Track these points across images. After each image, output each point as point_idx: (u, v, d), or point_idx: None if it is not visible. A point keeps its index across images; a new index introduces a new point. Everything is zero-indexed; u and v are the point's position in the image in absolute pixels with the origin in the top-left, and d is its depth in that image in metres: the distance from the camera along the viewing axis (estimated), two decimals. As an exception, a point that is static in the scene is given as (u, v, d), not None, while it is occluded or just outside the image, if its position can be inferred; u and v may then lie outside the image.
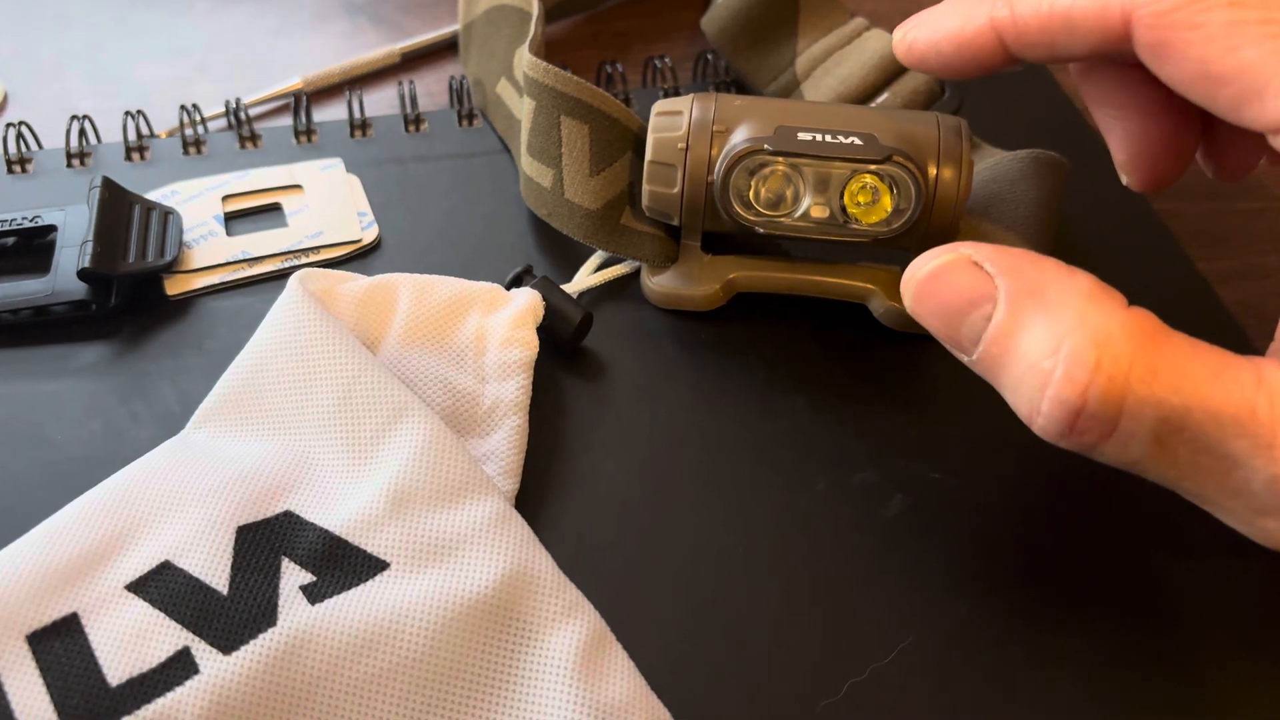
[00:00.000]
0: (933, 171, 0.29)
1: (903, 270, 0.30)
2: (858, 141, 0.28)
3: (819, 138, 0.28)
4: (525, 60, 0.32)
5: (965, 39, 0.26)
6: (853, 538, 0.28)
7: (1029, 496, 0.29)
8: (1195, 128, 0.28)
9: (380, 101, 0.40)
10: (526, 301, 0.29)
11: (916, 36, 0.27)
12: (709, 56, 0.40)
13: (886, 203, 0.29)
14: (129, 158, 0.37)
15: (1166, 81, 0.23)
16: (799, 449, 0.29)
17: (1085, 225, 0.34)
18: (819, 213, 0.29)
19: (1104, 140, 0.29)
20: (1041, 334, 0.22)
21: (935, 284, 0.25)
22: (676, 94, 0.40)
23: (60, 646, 0.23)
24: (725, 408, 0.30)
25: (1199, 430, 0.21)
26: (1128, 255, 0.35)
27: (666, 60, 0.40)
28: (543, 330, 0.30)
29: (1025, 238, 0.31)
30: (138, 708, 0.22)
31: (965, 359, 0.25)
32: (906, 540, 0.28)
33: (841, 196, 0.29)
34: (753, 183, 0.29)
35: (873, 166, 0.28)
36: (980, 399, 0.28)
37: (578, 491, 0.28)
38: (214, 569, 0.24)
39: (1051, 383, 0.22)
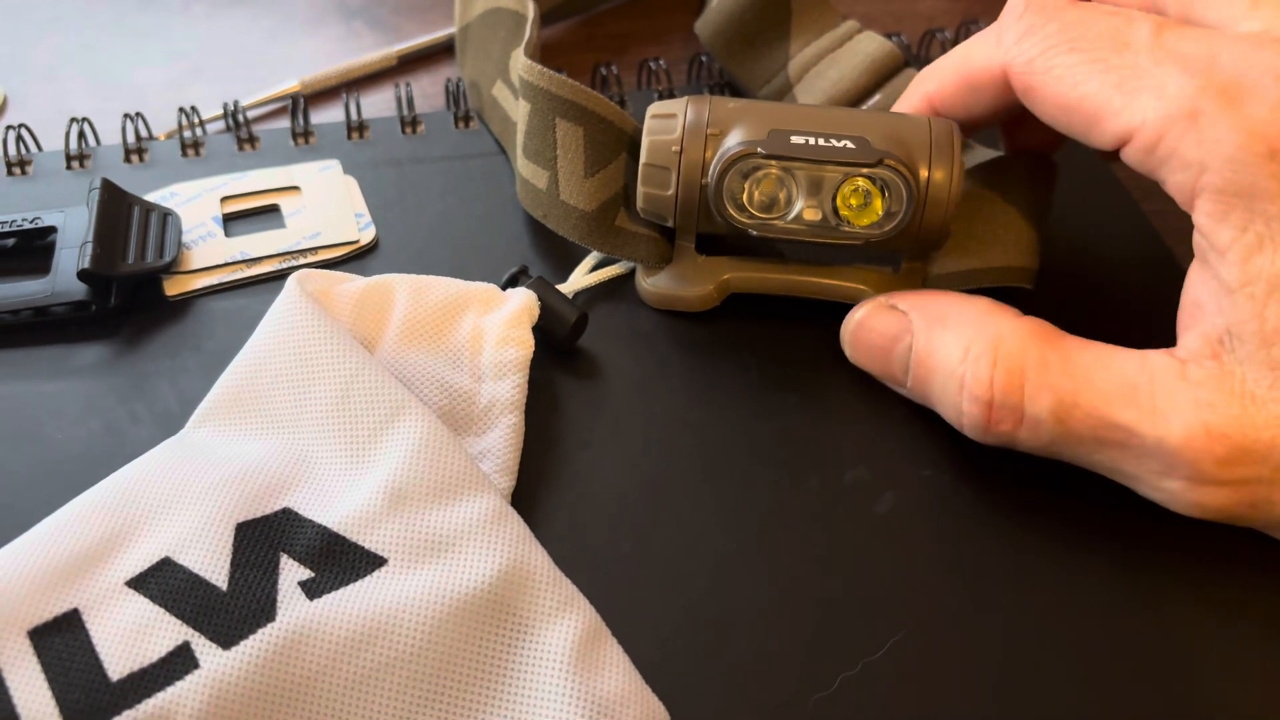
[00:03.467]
0: (924, 174, 0.29)
1: (895, 271, 0.31)
2: (850, 145, 0.29)
3: (812, 141, 0.29)
4: (521, 63, 0.32)
5: None
6: (845, 534, 0.28)
7: (1018, 494, 0.29)
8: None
9: (377, 104, 0.40)
10: (522, 301, 0.30)
11: None
12: (703, 59, 0.41)
13: (878, 206, 0.29)
14: (128, 160, 0.37)
15: (1040, 117, 0.28)
16: (792, 447, 0.30)
17: (1072, 224, 0.34)
18: (811, 215, 0.30)
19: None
20: (952, 348, 0.27)
21: (862, 331, 0.30)
22: (671, 96, 0.40)
23: (61, 642, 0.23)
24: (719, 406, 0.31)
25: (1091, 406, 0.25)
26: (1114, 254, 0.35)
27: (661, 63, 0.41)
28: (538, 330, 0.30)
29: (1016, 239, 0.31)
30: (138, 702, 0.22)
31: (904, 391, 0.30)
32: (898, 536, 0.28)
33: (834, 199, 0.29)
34: (746, 185, 0.29)
35: (865, 170, 0.29)
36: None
37: (573, 489, 0.28)
38: (214, 565, 0.24)
39: (965, 384, 0.27)
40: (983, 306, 0.28)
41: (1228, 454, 0.24)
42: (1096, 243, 0.35)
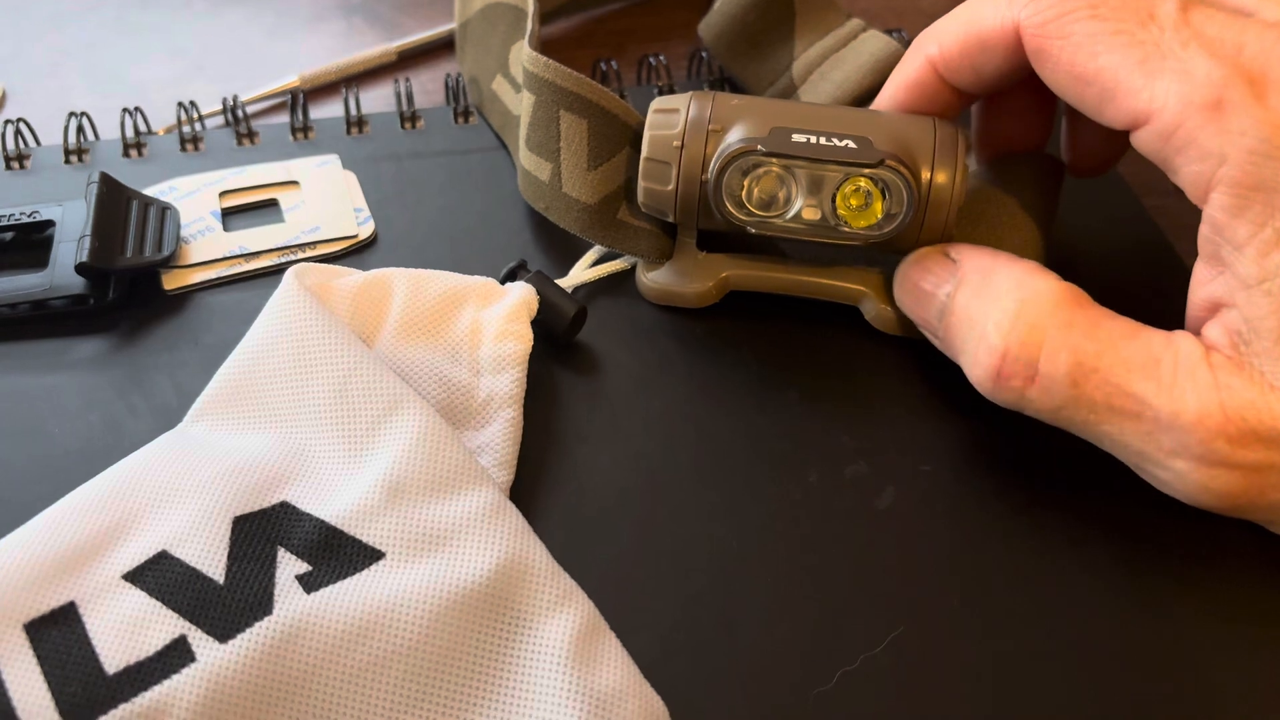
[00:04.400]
0: (926, 176, 0.29)
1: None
2: (852, 145, 0.28)
3: (813, 140, 0.29)
4: (526, 55, 0.32)
5: (913, 81, 0.30)
6: (844, 529, 0.28)
7: (1018, 490, 0.29)
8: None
9: (377, 99, 0.40)
10: (521, 295, 0.30)
11: (878, 103, 0.31)
12: (703, 55, 0.41)
13: (878, 207, 0.29)
14: (127, 154, 0.37)
15: (1048, 84, 0.27)
16: (791, 442, 0.30)
17: (1073, 218, 0.34)
18: (811, 215, 0.29)
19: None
20: (984, 300, 0.27)
21: (914, 272, 0.29)
22: (671, 92, 0.40)
23: (58, 635, 0.23)
24: (719, 402, 0.30)
25: (1109, 372, 0.25)
26: (1115, 248, 0.35)
27: (661, 58, 0.40)
28: (537, 324, 0.30)
29: (1021, 245, 0.31)
30: (135, 695, 0.22)
31: (936, 341, 0.29)
32: (897, 531, 0.28)
33: (834, 199, 0.29)
34: (746, 183, 0.29)
35: (866, 170, 0.28)
36: (971, 396, 0.28)
37: (572, 483, 0.28)
38: (211, 559, 0.24)
39: (985, 333, 0.26)
40: (1027, 266, 0.27)
41: (1240, 435, 0.24)
42: (1097, 236, 0.35)
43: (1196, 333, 0.26)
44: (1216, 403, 0.24)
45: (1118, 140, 0.27)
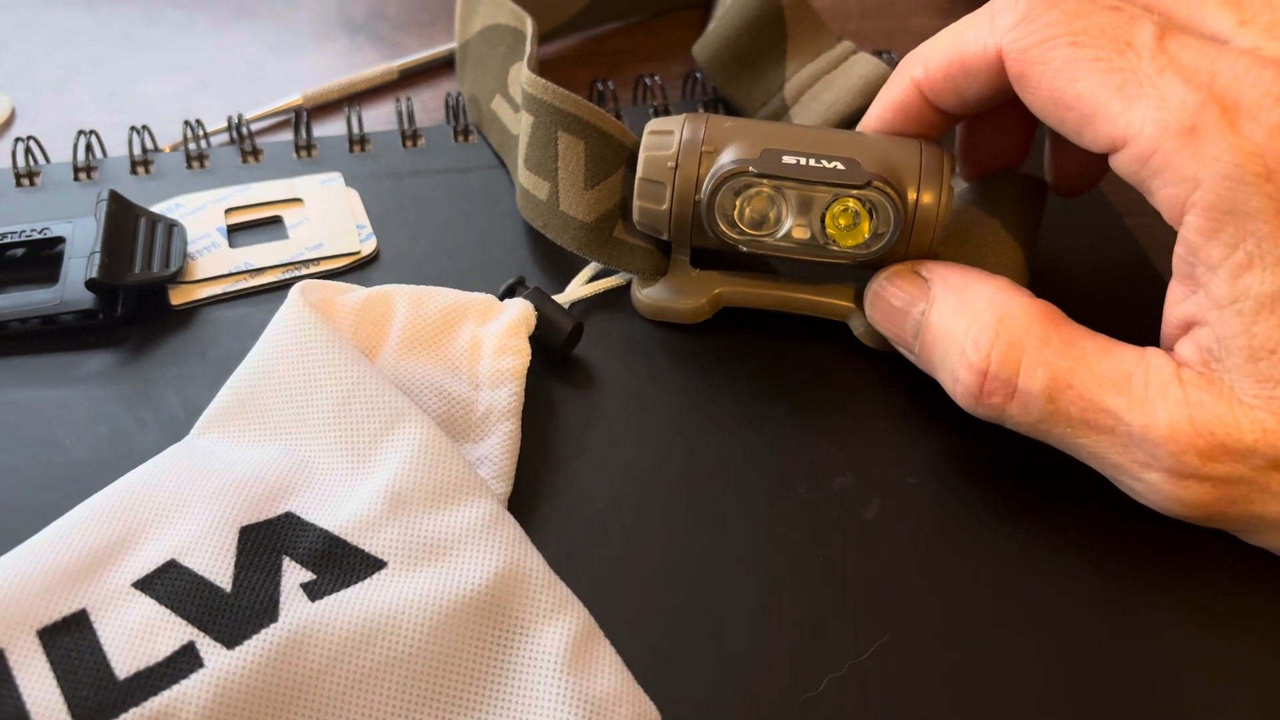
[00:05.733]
0: (912, 196, 0.29)
1: None
2: (840, 166, 0.29)
3: (803, 161, 0.29)
4: (524, 77, 0.33)
5: (898, 102, 0.31)
6: (832, 539, 0.28)
7: (1000, 501, 0.29)
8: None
9: (378, 117, 0.41)
10: (519, 311, 0.30)
11: (864, 124, 0.32)
12: (697, 75, 0.41)
13: (865, 227, 0.30)
14: (134, 171, 0.38)
15: (1030, 107, 0.28)
16: (781, 454, 0.30)
17: (1057, 236, 0.35)
18: (800, 234, 0.30)
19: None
20: (960, 318, 0.28)
21: (885, 291, 0.30)
22: (666, 111, 0.41)
23: (70, 641, 0.23)
24: (711, 415, 0.31)
25: (1083, 388, 0.26)
26: (1098, 267, 0.36)
27: (656, 79, 0.41)
28: (535, 339, 0.31)
29: (1005, 263, 0.31)
30: (144, 700, 0.23)
31: (912, 357, 0.30)
32: (884, 542, 0.28)
33: (823, 219, 0.30)
34: (738, 203, 0.30)
35: (854, 191, 0.29)
36: (954, 411, 0.29)
37: (568, 495, 0.29)
38: (218, 567, 0.25)
39: (964, 352, 0.27)
40: (999, 283, 0.28)
41: (1210, 448, 0.25)
42: (1080, 255, 0.36)
43: (1171, 349, 0.26)
44: (1186, 417, 0.25)
45: (1099, 162, 0.27)
